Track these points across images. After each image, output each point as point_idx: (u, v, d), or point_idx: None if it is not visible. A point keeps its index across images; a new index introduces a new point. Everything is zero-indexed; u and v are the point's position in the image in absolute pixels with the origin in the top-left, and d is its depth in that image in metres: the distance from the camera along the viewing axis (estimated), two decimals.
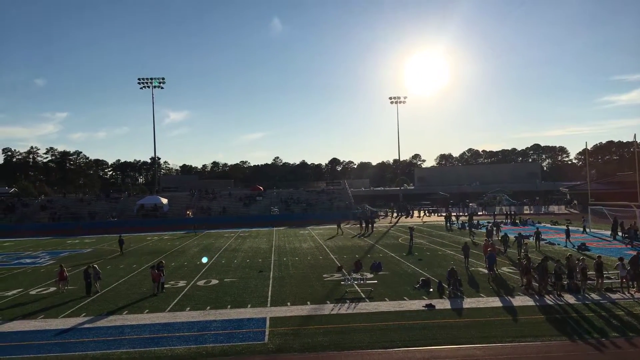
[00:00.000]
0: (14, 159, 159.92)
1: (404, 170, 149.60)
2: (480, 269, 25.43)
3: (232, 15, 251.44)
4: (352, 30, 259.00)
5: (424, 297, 19.77)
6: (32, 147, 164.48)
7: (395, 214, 77.16)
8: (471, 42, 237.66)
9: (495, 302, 18.75)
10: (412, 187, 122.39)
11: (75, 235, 55.60)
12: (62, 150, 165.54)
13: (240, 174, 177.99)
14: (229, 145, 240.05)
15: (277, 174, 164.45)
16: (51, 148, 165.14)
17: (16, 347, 14.85)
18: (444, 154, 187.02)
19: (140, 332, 16.02)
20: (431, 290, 20.81)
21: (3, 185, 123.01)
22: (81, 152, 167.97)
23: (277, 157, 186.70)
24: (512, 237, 33.11)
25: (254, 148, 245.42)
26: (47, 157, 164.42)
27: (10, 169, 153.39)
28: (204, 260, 32.00)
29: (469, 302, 18.72)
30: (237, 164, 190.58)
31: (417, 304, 18.59)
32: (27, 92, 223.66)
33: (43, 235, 56.41)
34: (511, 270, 25.05)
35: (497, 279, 22.99)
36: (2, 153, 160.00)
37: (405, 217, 71.84)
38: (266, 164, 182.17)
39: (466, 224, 50.93)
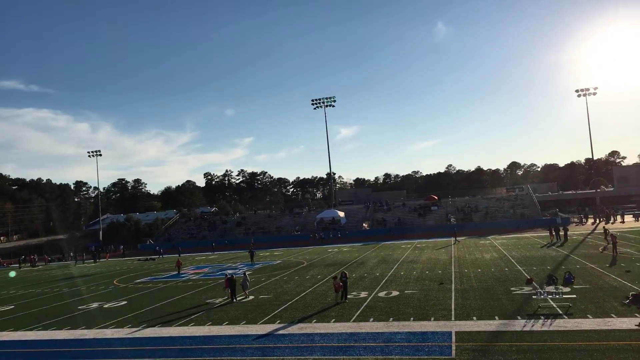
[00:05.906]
0: (213, 182, 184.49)
1: (599, 170, 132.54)
2: None
3: (394, 25, 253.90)
4: (526, 18, 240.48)
5: (637, 314, 17.01)
6: (226, 170, 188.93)
7: (592, 220, 68.69)
8: None
9: None
10: (611, 189, 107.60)
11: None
12: (251, 171, 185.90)
13: (413, 184, 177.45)
14: (400, 155, 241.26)
15: (451, 182, 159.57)
16: (242, 170, 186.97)
17: (224, 350, 16.66)
18: None
19: (329, 340, 16.73)
20: None
21: (206, 205, 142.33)
22: (266, 172, 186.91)
23: (450, 165, 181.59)
24: None
25: (425, 157, 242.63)
26: (239, 179, 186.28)
27: (210, 191, 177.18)
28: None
29: None
30: (409, 174, 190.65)
31: (628, 323, 16.06)
32: (219, 123, 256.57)
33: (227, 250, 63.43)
34: None
35: None
36: (204, 177, 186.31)
37: (606, 223, 63.38)
38: (439, 173, 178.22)
39: None
